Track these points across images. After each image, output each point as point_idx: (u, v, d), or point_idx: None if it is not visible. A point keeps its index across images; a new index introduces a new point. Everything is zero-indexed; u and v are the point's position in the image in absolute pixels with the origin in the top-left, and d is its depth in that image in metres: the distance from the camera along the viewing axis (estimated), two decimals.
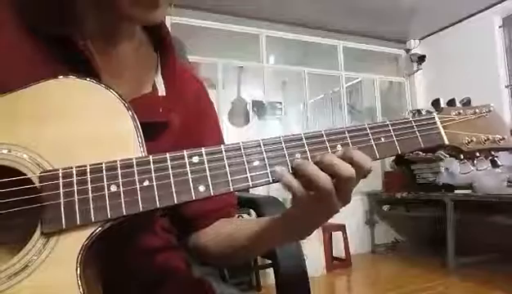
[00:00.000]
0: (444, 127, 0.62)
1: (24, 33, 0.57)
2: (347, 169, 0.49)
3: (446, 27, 4.67)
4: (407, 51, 5.14)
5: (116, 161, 0.47)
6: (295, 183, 0.50)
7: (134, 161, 0.48)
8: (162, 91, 0.67)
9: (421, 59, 4.94)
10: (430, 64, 4.90)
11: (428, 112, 0.64)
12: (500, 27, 4.20)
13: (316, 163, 0.50)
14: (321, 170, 0.50)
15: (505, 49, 4.18)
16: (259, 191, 3.40)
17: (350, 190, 0.52)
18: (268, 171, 0.51)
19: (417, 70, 5.01)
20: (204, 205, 0.68)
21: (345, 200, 0.52)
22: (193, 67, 0.95)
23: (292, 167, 0.51)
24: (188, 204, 0.67)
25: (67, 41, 0.57)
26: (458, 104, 0.65)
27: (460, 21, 4.51)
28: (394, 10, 4.16)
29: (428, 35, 4.93)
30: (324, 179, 0.49)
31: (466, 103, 0.66)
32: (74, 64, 0.56)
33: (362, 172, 0.51)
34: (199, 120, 0.74)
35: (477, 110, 0.65)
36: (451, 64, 4.52)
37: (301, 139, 0.53)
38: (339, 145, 0.54)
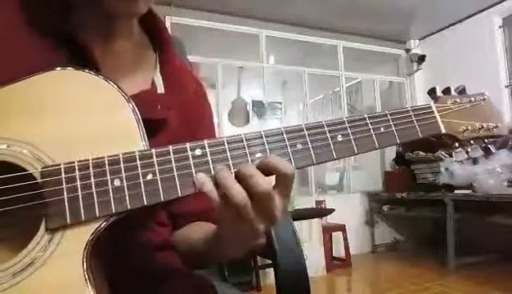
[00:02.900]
0: (441, 116, 0.63)
1: (23, 27, 0.58)
2: (263, 182, 0.46)
3: (446, 27, 4.68)
4: (407, 51, 5.15)
5: (119, 155, 0.47)
6: (214, 193, 0.47)
7: (137, 154, 0.47)
8: (161, 89, 0.67)
9: (421, 59, 4.95)
10: (430, 64, 4.90)
11: None
12: (500, 27, 4.21)
13: (235, 174, 0.48)
14: (239, 181, 0.47)
15: (505, 49, 4.19)
16: None
17: (270, 206, 0.48)
18: None
19: (417, 70, 5.02)
20: (182, 206, 0.69)
21: (266, 216, 0.49)
22: (193, 67, 0.95)
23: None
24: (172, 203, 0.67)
25: (67, 34, 0.58)
26: (453, 93, 0.66)
27: (460, 21, 4.52)
28: (394, 10, 4.17)
29: (428, 35, 4.94)
30: (236, 190, 0.46)
31: (461, 91, 0.67)
32: (74, 59, 0.57)
33: (284, 180, 0.49)
34: (197, 120, 0.74)
35: (472, 98, 0.66)
36: (451, 64, 4.52)
37: (302, 130, 0.54)
38: (339, 136, 0.55)
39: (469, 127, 0.64)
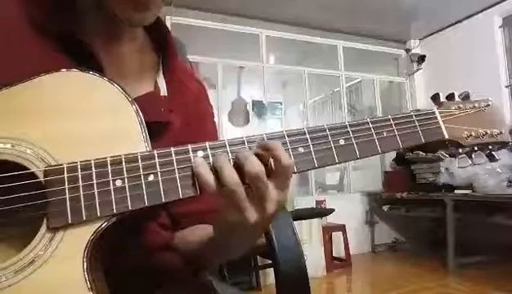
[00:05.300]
0: (444, 122, 0.62)
1: (30, 29, 0.58)
2: (256, 164, 0.46)
3: (446, 27, 4.68)
4: (407, 51, 5.14)
5: (121, 155, 0.47)
6: (210, 177, 0.47)
7: (139, 155, 0.48)
8: (164, 92, 0.68)
9: (421, 59, 4.95)
10: (430, 64, 4.90)
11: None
12: (500, 27, 4.21)
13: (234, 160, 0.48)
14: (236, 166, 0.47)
15: (505, 49, 4.19)
16: None
17: (263, 193, 0.47)
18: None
19: (417, 70, 5.02)
20: (183, 207, 0.69)
21: (259, 205, 0.48)
22: (193, 67, 0.96)
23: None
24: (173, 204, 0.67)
25: (72, 37, 0.58)
26: (457, 99, 0.66)
27: (460, 21, 4.51)
28: (394, 10, 4.17)
29: (428, 35, 4.94)
30: (228, 174, 0.46)
31: (465, 97, 0.66)
32: (79, 61, 0.57)
33: (280, 169, 0.48)
34: (199, 122, 0.74)
35: (476, 105, 0.66)
36: (451, 64, 4.53)
37: (304, 133, 0.53)
38: (341, 140, 0.55)
39: (473, 133, 0.63)
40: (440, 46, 4.77)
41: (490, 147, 0.65)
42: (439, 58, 4.76)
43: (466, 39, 4.40)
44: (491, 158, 0.65)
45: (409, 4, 4.04)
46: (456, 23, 4.56)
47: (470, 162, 0.65)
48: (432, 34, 4.90)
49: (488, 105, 0.66)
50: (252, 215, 0.48)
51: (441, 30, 4.76)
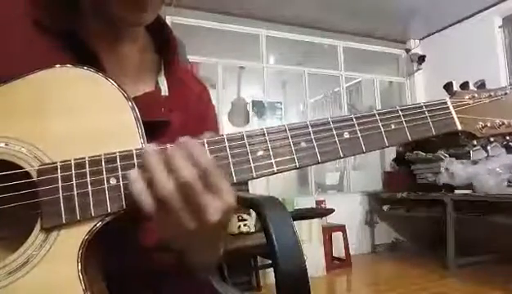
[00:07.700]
0: (457, 112, 0.59)
1: (34, 28, 0.58)
2: (188, 173, 0.43)
3: (446, 27, 4.67)
4: (407, 51, 5.14)
5: (115, 152, 0.46)
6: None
7: (134, 152, 0.47)
8: (165, 91, 0.68)
9: (421, 59, 4.94)
10: (430, 64, 4.90)
11: None
12: (500, 27, 4.20)
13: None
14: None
15: (505, 49, 4.18)
16: (260, 191, 3.41)
17: (198, 200, 0.44)
18: (273, 161, 0.49)
19: (417, 70, 5.01)
20: None
21: (195, 210, 0.44)
22: (193, 67, 0.95)
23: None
24: None
25: (73, 37, 0.58)
26: (472, 87, 0.62)
27: (460, 21, 4.51)
28: (394, 10, 4.16)
29: (428, 35, 4.93)
30: (164, 179, 0.43)
31: (481, 86, 0.62)
32: (81, 61, 0.57)
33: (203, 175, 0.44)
34: (200, 123, 0.74)
35: (492, 93, 0.62)
36: (451, 64, 4.52)
37: (307, 127, 0.52)
38: (346, 133, 0.53)
39: (489, 124, 0.59)
40: (440, 46, 4.76)
41: (507, 138, 0.62)
42: (439, 58, 4.75)
43: (466, 39, 4.39)
44: (509, 149, 0.62)
45: (409, 4, 4.04)
46: (456, 23, 4.55)
47: (486, 154, 0.62)
48: (432, 34, 4.89)
49: (506, 94, 0.62)
50: (190, 220, 0.44)
51: (441, 30, 4.76)
